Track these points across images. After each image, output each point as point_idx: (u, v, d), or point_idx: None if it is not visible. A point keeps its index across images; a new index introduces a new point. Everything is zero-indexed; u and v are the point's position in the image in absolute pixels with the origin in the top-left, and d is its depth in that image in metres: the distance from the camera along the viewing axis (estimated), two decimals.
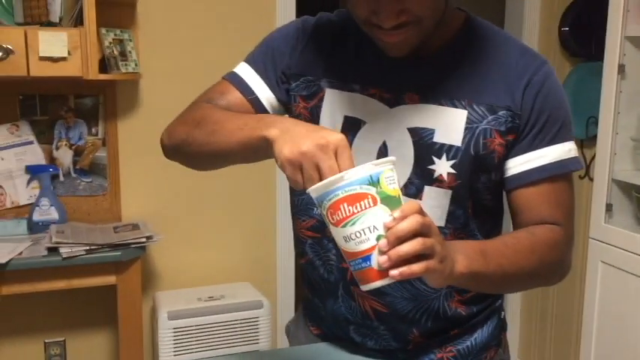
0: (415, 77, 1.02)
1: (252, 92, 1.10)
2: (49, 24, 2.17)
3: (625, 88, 2.14)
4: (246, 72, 1.12)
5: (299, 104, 1.09)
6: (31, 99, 2.39)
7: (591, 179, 2.51)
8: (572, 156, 1.03)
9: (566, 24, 2.75)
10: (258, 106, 1.10)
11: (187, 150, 1.05)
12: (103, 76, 2.21)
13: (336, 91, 1.06)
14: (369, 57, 1.05)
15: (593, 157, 2.51)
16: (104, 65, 2.28)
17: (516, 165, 1.02)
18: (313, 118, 1.08)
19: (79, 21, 2.21)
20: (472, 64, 1.02)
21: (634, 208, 2.18)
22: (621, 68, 2.12)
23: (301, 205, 1.13)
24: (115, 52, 2.30)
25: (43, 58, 2.06)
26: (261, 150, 0.88)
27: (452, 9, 1.05)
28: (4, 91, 2.32)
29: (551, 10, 2.87)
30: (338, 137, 0.81)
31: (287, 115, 1.13)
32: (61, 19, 2.23)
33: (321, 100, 1.07)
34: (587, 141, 2.69)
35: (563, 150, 1.02)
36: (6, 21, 2.22)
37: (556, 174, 1.02)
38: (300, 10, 2.67)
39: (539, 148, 1.01)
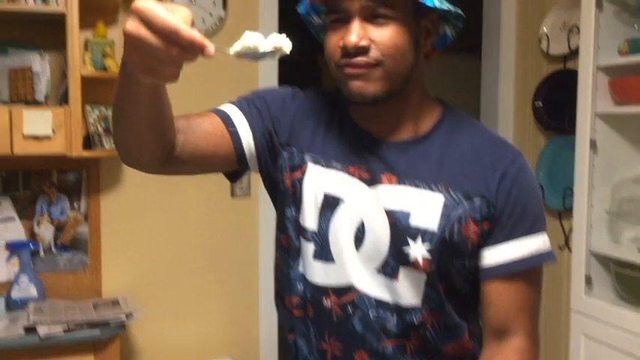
0: (394, 159, 1.06)
1: (233, 125, 1.09)
2: (35, 102, 2.21)
3: (597, 162, 2.20)
4: (231, 109, 1.11)
5: (285, 174, 1.10)
6: (14, 175, 2.39)
7: (570, 250, 2.54)
8: (547, 248, 1.06)
9: (540, 99, 2.85)
10: (235, 140, 1.09)
11: (120, 134, 0.98)
12: (87, 153, 2.23)
13: (317, 166, 1.08)
14: (351, 136, 1.08)
15: (571, 229, 2.55)
16: (88, 141, 2.31)
17: (492, 255, 1.04)
18: (296, 190, 1.09)
19: (64, 99, 2.25)
20: (448, 150, 1.06)
21: (613, 280, 2.20)
22: (593, 143, 2.19)
23: (285, 280, 1.14)
24: (100, 129, 2.33)
25: (27, 137, 2.09)
26: (132, 77, 0.82)
27: (431, 98, 1.11)
28: None
29: (524, 85, 2.97)
30: None
31: (255, 172, 1.14)
32: (46, 98, 2.27)
33: (304, 173, 1.09)
34: (564, 212, 2.73)
35: (538, 242, 1.05)
36: None
37: (531, 266, 1.05)
38: (283, 82, 2.75)
39: (515, 239, 1.04)
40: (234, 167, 1.13)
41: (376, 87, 1.00)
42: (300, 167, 1.09)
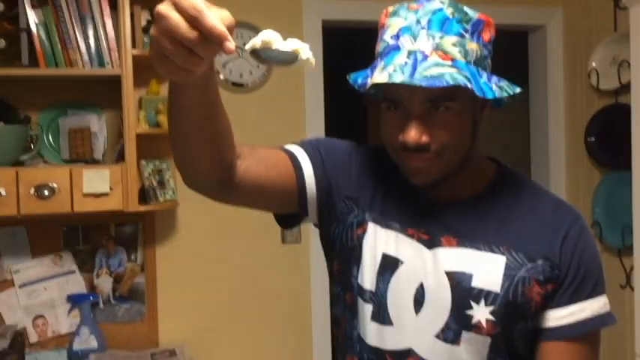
0: (453, 221, 1.05)
1: (299, 164, 1.09)
2: (93, 160, 2.30)
3: None
4: (297, 150, 1.11)
5: (348, 230, 1.10)
6: (74, 230, 2.48)
7: (632, 289, 2.45)
8: (608, 310, 1.05)
9: (592, 134, 2.79)
10: (299, 179, 1.08)
11: (179, 153, 0.98)
12: (142, 208, 2.30)
13: (377, 226, 1.09)
14: (410, 198, 1.09)
15: (632, 267, 2.46)
16: (143, 194, 2.38)
17: (557, 317, 1.03)
18: (355, 249, 1.09)
19: (120, 155, 2.34)
20: (508, 211, 1.06)
21: None
22: None
23: (346, 338, 1.13)
24: (154, 183, 2.41)
25: (86, 195, 2.17)
26: (174, 83, 0.84)
27: (483, 157, 1.11)
28: (48, 224, 2.43)
29: (575, 121, 2.92)
30: None
31: (311, 220, 1.13)
32: (104, 155, 2.36)
33: (365, 232, 1.09)
34: (624, 250, 2.65)
35: (600, 304, 1.04)
36: (52, 159, 2.36)
37: (593, 329, 1.03)
38: (329, 129, 2.78)
39: (579, 301, 1.03)
40: (291, 209, 1.12)
41: (436, 175, 1.01)
42: (361, 225, 1.09)
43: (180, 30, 0.69)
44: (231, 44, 0.70)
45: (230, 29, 0.71)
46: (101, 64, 2.24)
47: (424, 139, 0.97)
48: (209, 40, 0.69)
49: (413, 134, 0.96)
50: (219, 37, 0.69)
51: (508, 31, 2.94)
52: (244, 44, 0.77)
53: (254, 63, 2.64)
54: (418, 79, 0.90)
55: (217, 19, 0.69)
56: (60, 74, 2.23)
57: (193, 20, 0.69)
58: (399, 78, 0.90)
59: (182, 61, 0.71)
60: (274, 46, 0.76)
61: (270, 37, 0.76)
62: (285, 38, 0.78)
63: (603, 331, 1.08)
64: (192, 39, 0.69)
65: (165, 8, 0.70)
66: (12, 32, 2.23)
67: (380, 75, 0.93)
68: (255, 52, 0.77)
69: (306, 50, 0.78)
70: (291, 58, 0.77)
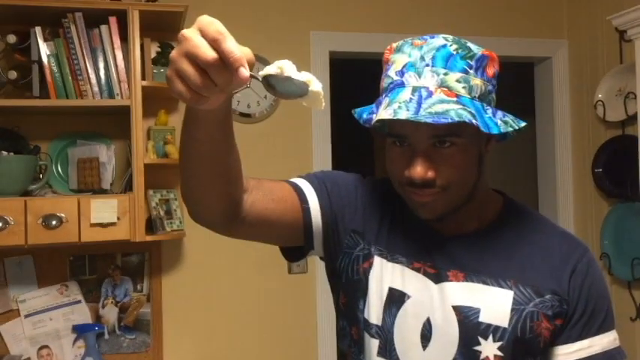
0: (459, 254, 1.05)
1: (305, 197, 1.09)
2: (101, 190, 2.31)
3: None
4: (303, 183, 1.11)
5: (354, 264, 1.10)
6: (81, 259, 2.48)
7: None
8: (617, 345, 1.04)
9: (599, 165, 2.79)
10: (305, 212, 1.08)
11: (187, 185, 0.98)
12: (149, 238, 2.30)
13: (383, 260, 1.08)
14: (416, 231, 1.08)
15: None
16: (150, 224, 2.39)
17: (565, 353, 1.02)
18: (365, 280, 1.08)
19: (128, 185, 2.35)
20: (515, 245, 1.05)
21: None
22: None
23: (351, 355, 1.12)
24: (161, 213, 2.41)
25: (93, 225, 2.17)
26: (193, 112, 0.85)
27: (490, 191, 1.11)
28: (55, 254, 2.43)
29: (582, 152, 2.92)
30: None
31: (317, 253, 1.13)
32: (111, 185, 2.37)
33: (371, 265, 1.09)
34: (634, 282, 2.62)
35: (609, 340, 1.03)
36: (61, 189, 2.38)
37: None
38: (336, 159, 2.78)
39: (588, 337, 1.02)
40: (297, 242, 1.12)
41: (442, 209, 1.01)
42: (367, 259, 1.09)
43: (199, 50, 0.70)
44: (246, 71, 0.71)
45: (249, 63, 0.72)
46: (111, 95, 2.27)
47: (430, 174, 0.97)
48: (226, 63, 0.70)
49: (419, 170, 0.97)
50: (236, 62, 0.70)
51: (514, 63, 2.97)
52: (258, 71, 0.77)
53: (262, 93, 2.66)
54: (423, 116, 0.90)
55: (238, 47, 0.71)
56: (70, 105, 2.25)
57: (214, 42, 0.70)
58: (403, 114, 0.91)
59: (196, 83, 0.72)
60: (285, 74, 0.76)
61: (284, 65, 0.77)
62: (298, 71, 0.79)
63: None
64: (210, 60, 0.70)
65: (189, 31, 0.72)
66: (24, 64, 2.26)
67: (385, 111, 0.93)
68: (267, 81, 0.77)
69: (317, 83, 0.79)
70: (303, 90, 0.78)
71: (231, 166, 0.94)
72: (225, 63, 0.70)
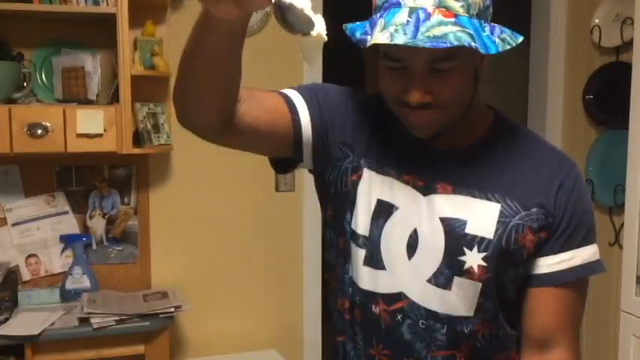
0: (449, 169, 1.05)
1: (295, 108, 1.09)
2: (87, 101, 2.27)
3: None
4: (294, 95, 1.10)
5: (343, 176, 1.10)
6: (67, 170, 2.48)
7: (621, 247, 2.48)
8: (597, 258, 1.06)
9: (591, 92, 2.77)
10: (295, 123, 1.08)
11: (183, 88, 0.98)
12: (137, 150, 2.29)
13: (372, 172, 1.09)
14: (406, 145, 1.08)
15: (622, 226, 2.49)
16: (138, 137, 2.37)
17: (547, 264, 1.04)
18: (350, 194, 1.10)
19: (114, 97, 2.31)
20: (504, 160, 1.06)
21: None
22: None
23: (339, 282, 1.14)
24: (149, 126, 2.39)
25: (80, 135, 2.16)
26: (208, 17, 0.84)
27: (482, 106, 1.10)
28: (41, 164, 2.42)
29: (575, 78, 2.90)
30: None
31: (306, 165, 1.14)
32: (97, 96, 2.33)
33: (360, 178, 1.09)
34: (615, 208, 2.67)
35: (590, 252, 1.05)
36: (45, 99, 2.34)
37: (582, 276, 1.05)
38: (326, 73, 2.74)
39: (570, 249, 1.04)
40: (286, 153, 1.12)
41: (438, 127, 1.01)
42: (356, 171, 1.09)
43: None
44: None
45: None
46: (96, 2, 2.19)
47: (427, 98, 0.96)
48: None
49: (416, 94, 0.96)
50: None
51: None
52: None
53: None
54: (421, 40, 0.88)
55: None
56: (54, 10, 2.18)
57: None
58: (401, 39, 0.88)
59: None
60: (299, 6, 0.76)
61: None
62: None
63: (591, 288, 1.10)
64: None
65: None
66: None
67: (381, 34, 0.91)
68: (279, 4, 0.76)
69: (323, 26, 0.79)
70: (308, 28, 0.78)
71: (233, 79, 0.94)
72: None
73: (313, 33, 0.78)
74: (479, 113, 1.09)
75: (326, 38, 0.79)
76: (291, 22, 0.77)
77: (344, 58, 3.90)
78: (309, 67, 2.62)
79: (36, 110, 2.15)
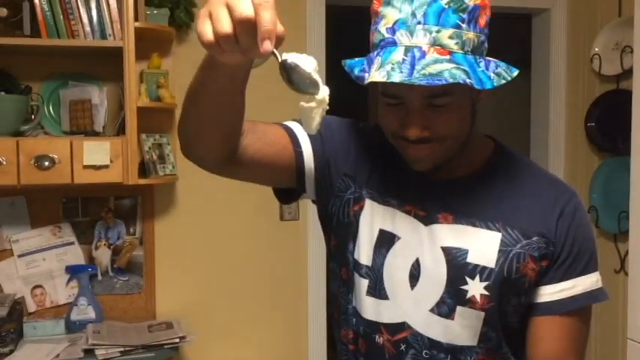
0: (449, 198, 1.07)
1: (297, 140, 1.10)
2: (94, 133, 2.30)
3: None
4: (296, 127, 1.11)
5: (346, 206, 1.12)
6: (74, 201, 2.49)
7: (626, 274, 2.48)
8: (600, 286, 1.07)
9: (592, 119, 2.79)
10: (297, 155, 1.09)
11: (187, 124, 0.99)
12: (142, 181, 2.31)
13: (374, 203, 1.10)
14: (407, 175, 1.09)
15: (627, 252, 2.49)
16: (143, 168, 2.39)
17: (549, 293, 1.05)
18: (352, 225, 1.11)
19: (121, 128, 2.34)
20: (504, 189, 1.07)
21: None
22: None
23: (342, 313, 1.15)
24: (154, 157, 2.41)
25: (86, 167, 2.18)
26: (211, 59, 0.86)
27: (481, 136, 1.12)
28: (48, 195, 2.44)
29: (576, 105, 2.92)
30: None
31: (309, 196, 1.15)
32: (104, 127, 2.36)
33: (362, 208, 1.11)
34: (620, 235, 2.66)
35: (592, 280, 1.06)
36: (53, 131, 2.37)
37: (585, 304, 1.06)
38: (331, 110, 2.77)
39: (572, 278, 1.05)
40: (289, 184, 1.14)
41: (437, 159, 1.03)
42: (359, 202, 1.11)
43: (240, 3, 0.71)
44: (269, 45, 0.72)
45: (277, 41, 0.74)
46: (103, 36, 2.23)
47: (425, 133, 0.98)
48: (259, 26, 0.71)
49: (414, 130, 0.98)
50: (266, 33, 0.71)
51: (512, 14, 2.94)
52: (282, 53, 0.78)
53: None
54: (417, 78, 0.90)
55: (275, 20, 0.72)
56: (61, 45, 2.22)
57: (258, 5, 0.71)
58: (397, 77, 0.90)
59: (222, 31, 0.72)
60: (306, 68, 0.78)
61: (308, 60, 0.79)
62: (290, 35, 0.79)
63: (596, 316, 1.10)
64: (244, 17, 0.71)
65: None
66: (14, 1, 2.22)
67: (377, 73, 0.92)
68: (285, 65, 0.78)
69: (326, 91, 0.80)
70: (313, 88, 0.79)
71: (234, 118, 0.96)
72: (255, 28, 0.71)
73: (317, 96, 0.80)
74: (478, 144, 1.11)
75: (327, 107, 0.81)
76: (296, 82, 0.79)
77: (350, 89, 3.95)
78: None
79: (43, 142, 2.18)
